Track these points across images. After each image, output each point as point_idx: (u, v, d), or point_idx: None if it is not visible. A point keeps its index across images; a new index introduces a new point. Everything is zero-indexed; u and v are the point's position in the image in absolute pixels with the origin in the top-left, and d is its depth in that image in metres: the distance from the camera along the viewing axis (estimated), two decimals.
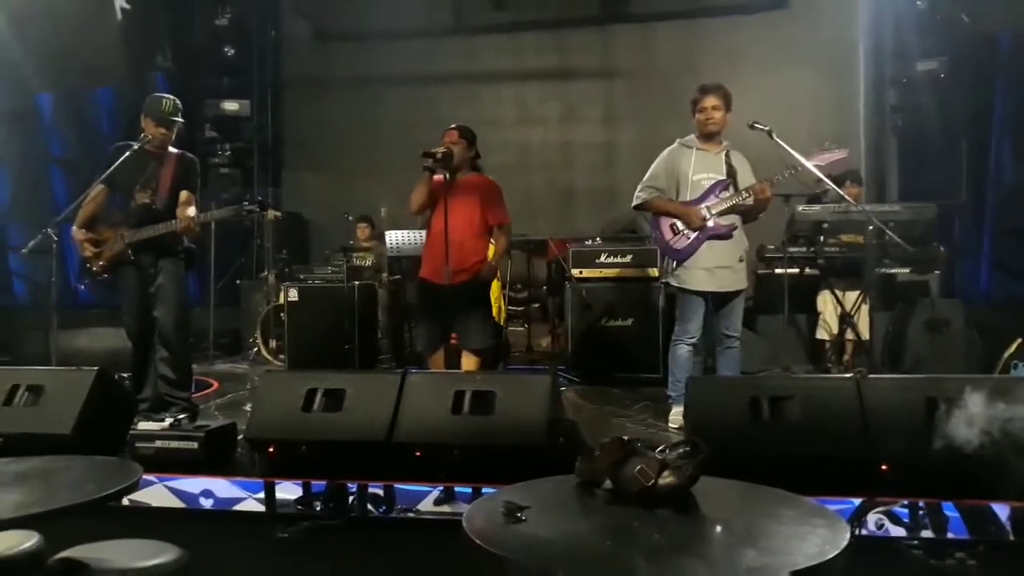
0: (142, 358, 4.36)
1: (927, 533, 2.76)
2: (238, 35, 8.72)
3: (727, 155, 4.25)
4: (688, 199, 4.21)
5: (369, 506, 3.15)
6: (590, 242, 6.15)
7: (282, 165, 9.29)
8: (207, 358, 7.03)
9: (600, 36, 8.67)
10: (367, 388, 3.40)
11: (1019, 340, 4.86)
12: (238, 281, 7.85)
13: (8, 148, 7.64)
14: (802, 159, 4.14)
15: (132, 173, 4.24)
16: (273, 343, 6.82)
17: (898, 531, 2.77)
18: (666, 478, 1.80)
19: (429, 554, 3.02)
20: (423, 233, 4.70)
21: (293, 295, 6.44)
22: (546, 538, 1.65)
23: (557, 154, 8.75)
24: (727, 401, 3.14)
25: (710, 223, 4.15)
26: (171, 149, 4.35)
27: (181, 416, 3.66)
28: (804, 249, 5.61)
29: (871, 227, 4.91)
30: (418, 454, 3.15)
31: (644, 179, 4.33)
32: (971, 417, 2.52)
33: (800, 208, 5.50)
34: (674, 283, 4.27)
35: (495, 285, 6.19)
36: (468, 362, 4.41)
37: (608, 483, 1.88)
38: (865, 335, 5.43)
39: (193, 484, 3.24)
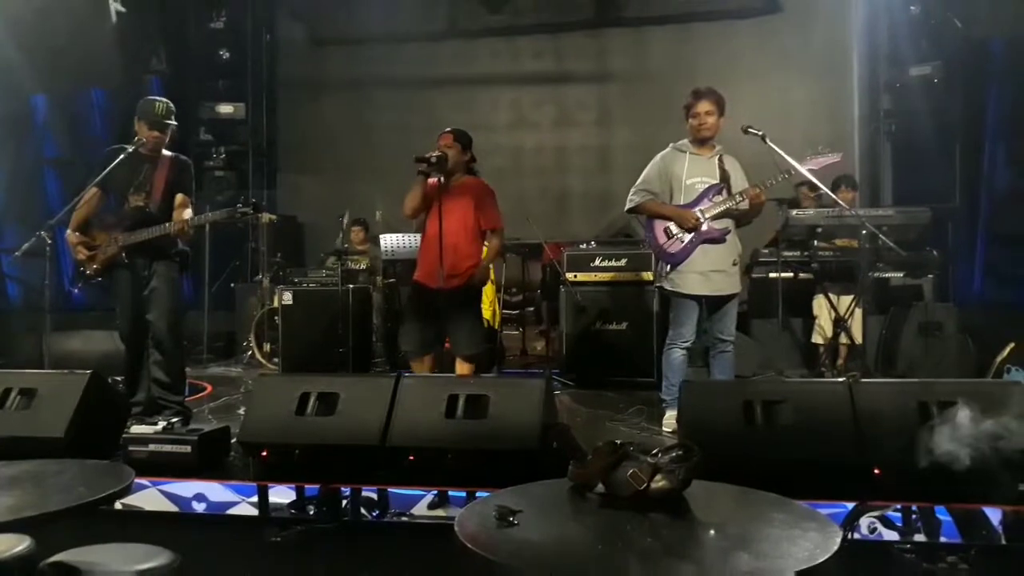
0: (135, 361, 4.35)
1: (920, 537, 2.77)
2: (233, 38, 8.72)
3: (720, 159, 4.26)
4: (682, 203, 4.21)
5: (362, 510, 3.15)
6: (584, 246, 6.15)
7: (277, 168, 9.29)
8: (201, 361, 7.02)
9: (595, 40, 8.70)
10: (361, 392, 3.39)
11: (1012, 344, 4.87)
12: (232, 284, 7.84)
13: (1, 150, 7.61)
14: (796, 163, 4.16)
15: (126, 176, 4.24)
16: (267, 346, 6.81)
17: (891, 535, 2.78)
18: (658, 482, 1.81)
19: (423, 558, 3.02)
20: (418, 236, 4.70)
21: (287, 298, 6.43)
22: (538, 542, 1.65)
23: (552, 158, 8.78)
24: (720, 405, 3.14)
25: (704, 227, 4.16)
26: (165, 152, 4.34)
27: (174, 420, 3.65)
28: (798, 253, 5.63)
29: (864, 231, 4.92)
30: (412, 458, 3.15)
31: (637, 183, 4.34)
32: (960, 434, 2.52)
33: (794, 212, 5.52)
34: (668, 287, 4.28)
35: (490, 289, 6.21)
36: (462, 368, 4.41)
37: (601, 487, 1.88)
38: (859, 339, 5.45)
39: (186, 488, 3.24)
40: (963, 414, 2.53)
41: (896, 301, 5.73)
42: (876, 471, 2.81)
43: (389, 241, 6.59)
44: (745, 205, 4.17)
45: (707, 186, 4.21)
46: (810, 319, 5.88)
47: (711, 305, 4.25)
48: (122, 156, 4.16)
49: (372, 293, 6.85)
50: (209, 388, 5.77)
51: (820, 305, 5.75)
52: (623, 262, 5.90)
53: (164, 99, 4.35)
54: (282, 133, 9.31)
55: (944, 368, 5.22)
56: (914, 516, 2.79)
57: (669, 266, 4.24)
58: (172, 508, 3.23)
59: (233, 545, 3.15)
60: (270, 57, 9.21)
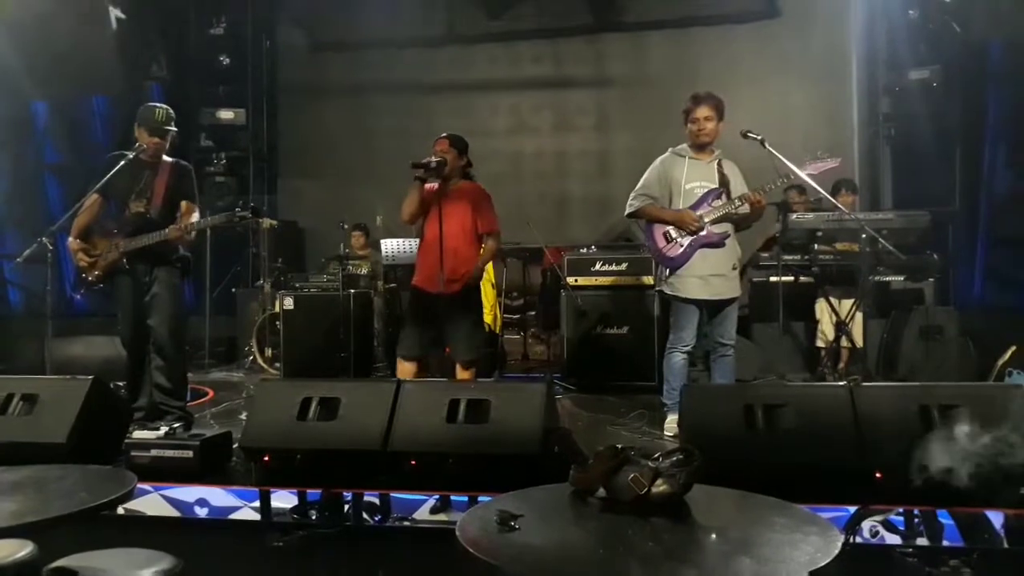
0: (137, 367, 4.35)
1: (922, 541, 2.76)
2: (233, 44, 8.73)
3: (719, 164, 4.27)
4: (681, 208, 4.22)
5: (364, 515, 3.15)
6: (585, 250, 6.16)
7: (277, 174, 9.30)
8: (202, 366, 7.03)
9: (594, 45, 8.71)
10: (362, 397, 3.40)
11: (1013, 348, 4.87)
12: (233, 289, 7.84)
13: (2, 156, 7.63)
14: (795, 168, 4.17)
15: (127, 182, 4.25)
16: (268, 351, 6.81)
17: (893, 539, 2.77)
18: (659, 486, 1.81)
19: (424, 563, 3.02)
20: (418, 241, 4.71)
21: (289, 303, 6.44)
22: (539, 546, 1.65)
23: (551, 163, 8.79)
24: (721, 409, 3.14)
25: (703, 231, 4.16)
26: (165, 158, 4.35)
27: (176, 425, 3.65)
28: (798, 257, 5.63)
29: (865, 235, 4.93)
30: (413, 463, 3.15)
31: (637, 187, 4.35)
32: (961, 448, 2.51)
33: (794, 216, 5.53)
34: (668, 291, 4.28)
35: (491, 293, 6.21)
36: (462, 374, 4.41)
37: (602, 491, 1.88)
38: (860, 343, 5.45)
39: (188, 493, 3.24)
40: (962, 429, 2.52)
41: (897, 305, 5.73)
42: (877, 475, 2.81)
43: (390, 246, 6.60)
44: (745, 209, 4.17)
45: (706, 190, 4.22)
46: (811, 323, 5.89)
47: (711, 309, 4.25)
48: (123, 163, 4.17)
49: (373, 298, 6.85)
50: (211, 393, 5.77)
51: (821, 309, 5.76)
52: (623, 266, 5.90)
53: (164, 105, 4.36)
54: (282, 138, 9.32)
55: (945, 372, 5.22)
56: (916, 520, 2.78)
57: (669, 270, 4.25)
58: (174, 513, 3.23)
59: (235, 550, 3.15)
60: (270, 63, 9.23)
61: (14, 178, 7.67)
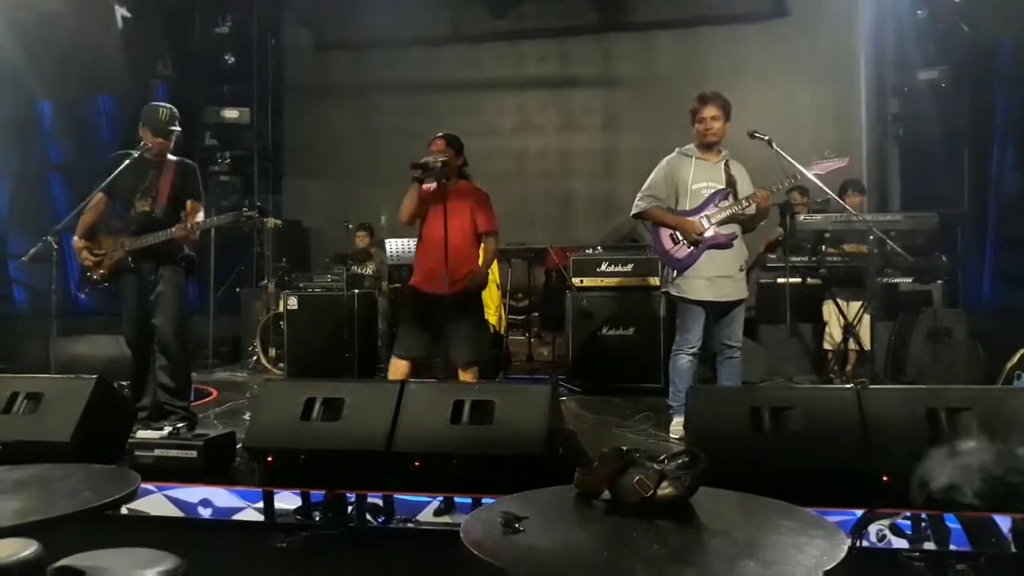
0: (141, 366, 4.35)
1: (929, 545, 2.74)
2: (239, 43, 8.75)
3: (726, 164, 4.26)
4: (688, 208, 4.20)
5: (368, 516, 3.14)
6: (590, 251, 6.14)
7: (282, 173, 9.32)
8: (206, 366, 7.03)
9: (600, 44, 8.70)
10: (366, 397, 3.39)
11: (1022, 350, 4.84)
12: (238, 289, 7.85)
13: (8, 156, 7.65)
14: (802, 168, 4.15)
15: (132, 181, 4.25)
16: (272, 351, 6.82)
17: (900, 543, 2.76)
18: (665, 489, 1.79)
19: (428, 565, 3.01)
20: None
21: (293, 303, 6.44)
22: (544, 548, 1.64)
23: (557, 162, 8.78)
24: (728, 411, 3.13)
25: (710, 232, 4.15)
26: (170, 157, 4.35)
27: (180, 425, 3.65)
28: (806, 259, 5.61)
29: (873, 237, 4.90)
30: (417, 464, 3.15)
31: (643, 188, 4.33)
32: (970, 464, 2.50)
33: (802, 218, 5.50)
34: (674, 292, 4.26)
35: (495, 294, 6.20)
36: (465, 376, 4.40)
37: (607, 494, 1.87)
38: (867, 345, 5.42)
39: (192, 493, 3.23)
40: (970, 445, 2.50)
41: (905, 307, 5.70)
42: (885, 478, 2.79)
43: (394, 246, 6.60)
44: (752, 210, 4.16)
45: (713, 191, 4.20)
46: (818, 325, 5.86)
47: (718, 311, 4.23)
48: (127, 162, 4.17)
49: (377, 298, 6.85)
50: (215, 393, 5.77)
51: (829, 311, 5.73)
52: (629, 267, 5.88)
53: (168, 105, 4.36)
54: (287, 138, 9.34)
55: (954, 374, 5.19)
56: (923, 524, 2.76)
57: (675, 271, 4.23)
58: (178, 513, 3.22)
59: (239, 550, 3.15)
60: (275, 62, 9.25)
61: (20, 177, 7.70)
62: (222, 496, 3.22)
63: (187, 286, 4.47)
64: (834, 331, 5.70)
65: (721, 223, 4.16)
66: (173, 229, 4.16)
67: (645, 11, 8.53)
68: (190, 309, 4.76)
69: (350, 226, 7.50)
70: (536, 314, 7.40)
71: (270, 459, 3.31)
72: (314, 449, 3.26)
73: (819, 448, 2.93)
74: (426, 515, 3.10)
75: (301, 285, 6.73)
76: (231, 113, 8.61)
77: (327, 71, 9.12)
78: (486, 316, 6.03)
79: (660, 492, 1.79)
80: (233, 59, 8.69)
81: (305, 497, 3.19)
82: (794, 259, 5.53)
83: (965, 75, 6.91)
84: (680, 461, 1.85)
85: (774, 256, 5.90)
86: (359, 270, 7.00)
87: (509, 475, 2.84)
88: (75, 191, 7.12)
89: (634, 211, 4.36)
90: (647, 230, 4.86)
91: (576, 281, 5.91)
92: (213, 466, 3.40)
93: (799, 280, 5.69)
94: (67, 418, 3.39)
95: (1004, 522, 2.72)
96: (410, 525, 3.09)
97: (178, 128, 4.33)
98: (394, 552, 3.12)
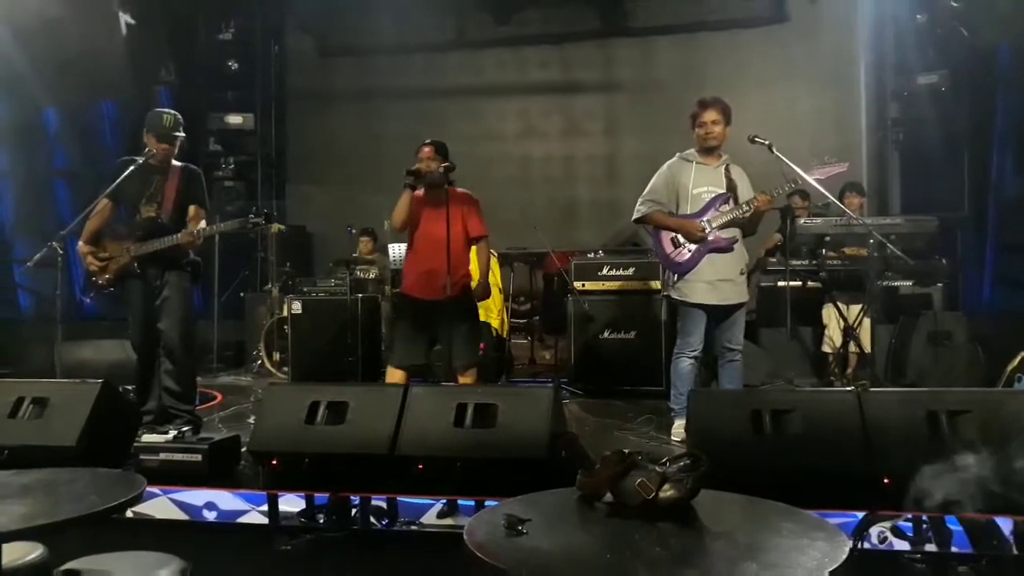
0: (147, 370, 4.37)
1: (930, 547, 2.75)
2: (242, 49, 8.78)
3: (727, 169, 4.27)
4: (688, 213, 4.22)
5: (372, 519, 3.16)
6: (592, 255, 6.17)
7: (285, 178, 9.34)
8: (211, 370, 7.05)
9: (602, 50, 8.72)
10: (370, 401, 3.41)
11: (1022, 353, 4.85)
12: (242, 294, 7.87)
13: (13, 162, 7.68)
14: (802, 172, 4.16)
15: (137, 187, 4.27)
16: (277, 355, 6.83)
17: (902, 545, 2.77)
18: (667, 491, 1.81)
19: (432, 567, 3.03)
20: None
21: (297, 308, 6.46)
22: (547, 551, 1.65)
23: (560, 167, 8.80)
24: (729, 414, 3.14)
25: (710, 236, 4.16)
26: (175, 162, 4.37)
27: (185, 428, 3.67)
28: (806, 262, 5.62)
29: (873, 240, 4.92)
30: (420, 467, 3.16)
31: (644, 193, 4.35)
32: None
33: (802, 221, 5.52)
34: (675, 296, 4.28)
35: (498, 298, 6.22)
36: (464, 379, 4.42)
37: (609, 496, 1.88)
38: (868, 348, 5.43)
39: (197, 496, 3.25)
40: (972, 457, 2.52)
41: (905, 310, 5.71)
42: (885, 480, 2.81)
43: (397, 251, 6.61)
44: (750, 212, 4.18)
45: (714, 195, 4.22)
46: (819, 328, 5.87)
47: (719, 314, 4.24)
48: (132, 168, 4.19)
49: (381, 302, 6.87)
50: (219, 397, 5.79)
51: (829, 314, 5.74)
52: (631, 271, 5.90)
53: (172, 111, 4.39)
54: (291, 143, 9.36)
55: (954, 377, 5.19)
56: (925, 526, 2.77)
57: (676, 275, 4.25)
58: (183, 516, 3.24)
59: (243, 553, 3.17)
60: (279, 68, 9.27)
61: (25, 183, 7.73)
62: (227, 499, 3.24)
63: (192, 291, 4.50)
64: (834, 334, 5.71)
65: (722, 227, 4.18)
66: (178, 235, 4.18)
67: (645, 17, 8.55)
68: (195, 314, 4.78)
69: (353, 231, 7.52)
70: (538, 317, 7.41)
71: (274, 462, 3.32)
72: (318, 452, 3.27)
73: (820, 450, 2.94)
74: (429, 518, 3.11)
75: (305, 290, 6.75)
76: (235, 119, 8.63)
77: (330, 77, 9.14)
78: (489, 319, 6.08)
79: (662, 494, 1.80)
80: (237, 65, 8.71)
81: (309, 500, 3.21)
82: (794, 262, 5.53)
83: (965, 79, 6.92)
84: (682, 464, 1.86)
85: (774, 260, 5.91)
86: (362, 275, 7.01)
87: (512, 478, 2.85)
88: (80, 197, 7.13)
89: (636, 215, 4.38)
90: (648, 234, 4.88)
91: (578, 285, 5.93)
92: (218, 469, 3.42)
93: (799, 283, 5.70)
94: (73, 422, 3.40)
95: (1006, 524, 2.73)
96: (413, 528, 3.11)
97: (182, 134, 4.35)
98: (397, 554, 3.13)
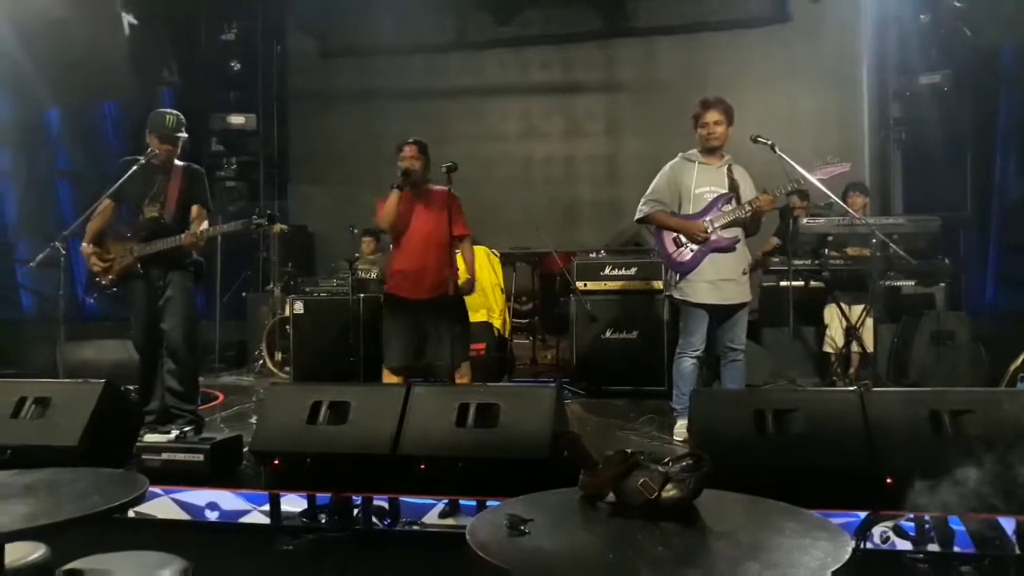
0: (149, 370, 4.37)
1: (933, 547, 2.75)
2: (244, 50, 8.78)
3: (729, 169, 4.27)
4: (691, 213, 4.22)
5: (374, 519, 3.15)
6: (594, 255, 6.16)
7: (288, 178, 9.34)
8: (213, 370, 7.06)
9: (603, 50, 8.71)
10: (372, 401, 3.41)
11: None
12: (244, 294, 7.87)
13: (16, 162, 7.69)
14: (805, 172, 4.16)
15: (140, 187, 4.28)
16: (279, 355, 6.83)
17: (904, 545, 2.76)
18: (669, 491, 1.80)
19: (434, 567, 3.03)
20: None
21: (299, 308, 6.46)
22: (549, 551, 1.65)
23: (561, 168, 8.79)
24: (731, 414, 3.14)
25: (712, 236, 4.16)
26: (177, 162, 4.38)
27: (187, 428, 3.67)
28: (809, 262, 5.62)
29: (875, 240, 4.91)
30: (422, 467, 3.16)
31: (647, 193, 4.35)
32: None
33: (805, 221, 5.51)
34: (677, 296, 4.28)
35: (500, 297, 6.23)
36: (460, 376, 4.43)
37: (612, 496, 1.88)
38: (870, 348, 5.42)
39: (199, 496, 3.26)
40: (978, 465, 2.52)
41: (908, 310, 5.71)
42: (888, 480, 2.80)
43: None
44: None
45: (716, 195, 4.22)
46: (821, 328, 5.87)
47: (721, 314, 4.24)
48: (135, 168, 4.20)
49: (383, 303, 6.85)
50: (221, 397, 5.79)
51: (832, 314, 5.74)
52: (633, 271, 5.90)
53: (174, 112, 4.39)
54: (293, 144, 9.36)
55: (957, 377, 5.19)
56: (927, 526, 2.77)
57: (678, 275, 4.25)
58: (185, 516, 3.24)
59: (245, 553, 3.17)
60: (280, 68, 9.27)
61: (27, 184, 7.74)
62: (229, 499, 3.24)
63: (195, 291, 4.50)
64: (836, 334, 5.71)
65: (724, 227, 4.17)
66: (182, 236, 4.19)
67: (647, 17, 8.54)
68: (198, 314, 4.78)
69: (356, 231, 7.52)
70: (540, 317, 7.41)
71: (276, 462, 3.32)
72: (320, 452, 3.27)
73: (822, 450, 2.94)
74: (431, 518, 3.11)
75: (307, 290, 6.75)
76: (237, 119, 8.64)
77: (332, 77, 9.14)
78: (491, 319, 6.09)
79: (664, 494, 1.80)
80: (239, 66, 8.72)
81: (311, 500, 3.20)
82: (797, 262, 5.54)
83: (968, 79, 6.91)
84: (684, 463, 1.86)
85: (777, 260, 5.91)
86: (364, 274, 7.01)
87: (514, 478, 2.85)
88: (82, 197, 7.15)
89: (638, 216, 4.38)
90: (650, 234, 4.88)
91: (580, 285, 5.93)
92: (220, 469, 3.42)
93: (802, 283, 5.70)
94: (75, 422, 3.41)
95: (1008, 524, 2.72)
96: (415, 528, 3.11)
97: (185, 134, 4.36)
98: (399, 554, 3.13)
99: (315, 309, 6.47)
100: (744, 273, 4.25)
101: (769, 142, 4.18)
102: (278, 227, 6.92)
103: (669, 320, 5.57)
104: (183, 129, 4.34)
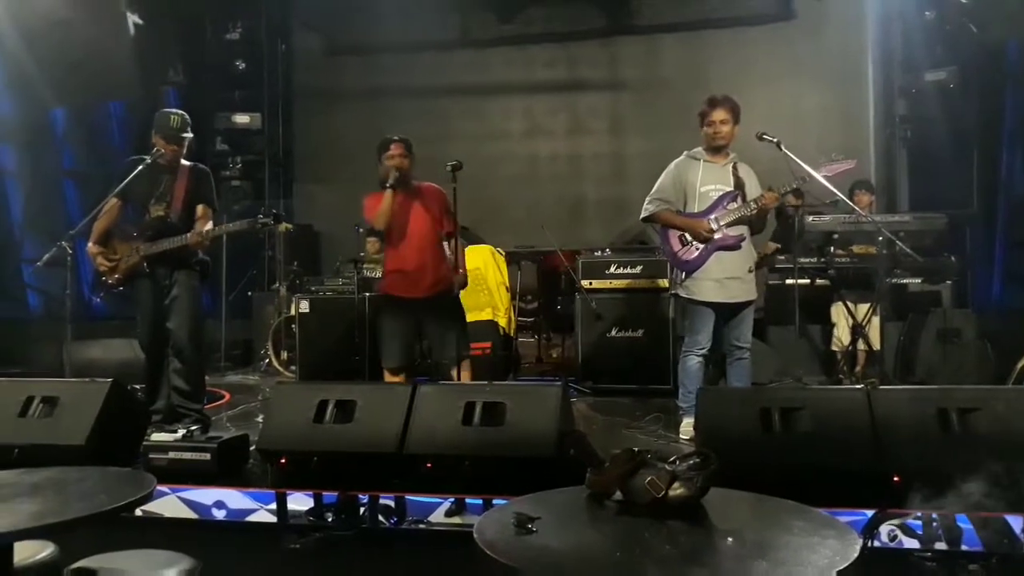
0: (155, 370, 4.38)
1: (940, 545, 2.74)
2: (249, 49, 8.78)
3: (734, 167, 4.26)
4: (696, 211, 4.21)
5: (380, 517, 3.16)
6: (600, 253, 6.15)
7: (293, 178, 9.35)
8: (218, 369, 7.06)
9: (607, 48, 8.71)
10: (378, 399, 3.41)
11: None
12: (249, 293, 7.88)
13: (22, 162, 7.71)
14: (811, 170, 4.15)
15: (146, 187, 4.28)
16: (284, 354, 6.84)
17: (911, 543, 2.76)
18: (676, 489, 1.80)
19: (440, 565, 3.03)
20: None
21: (304, 307, 6.46)
22: (557, 549, 1.65)
23: (566, 166, 8.78)
24: (738, 412, 3.14)
25: (718, 235, 4.15)
26: (184, 162, 4.38)
27: (193, 427, 3.68)
28: (815, 260, 5.61)
29: (881, 238, 4.90)
30: (429, 465, 3.16)
31: (652, 192, 4.34)
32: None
33: (810, 219, 5.50)
34: (683, 294, 4.27)
35: (505, 296, 6.23)
36: (464, 374, 4.43)
37: (619, 494, 1.88)
38: (877, 346, 5.41)
39: (205, 495, 3.26)
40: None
41: (914, 307, 5.69)
42: (895, 478, 2.80)
43: None
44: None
45: (721, 193, 4.21)
46: (827, 325, 5.85)
47: (727, 312, 4.23)
48: (141, 167, 4.20)
49: (378, 303, 6.86)
50: (227, 396, 5.80)
51: (838, 312, 5.72)
52: (638, 269, 5.89)
53: (180, 112, 4.39)
54: (298, 143, 9.37)
55: (963, 375, 5.18)
56: (935, 524, 2.76)
57: (684, 273, 4.24)
58: (191, 515, 3.25)
59: (252, 552, 3.17)
60: (285, 67, 9.28)
61: (33, 183, 7.75)
62: (235, 498, 3.25)
63: (201, 290, 4.51)
64: (842, 332, 5.69)
65: (729, 225, 4.17)
66: (188, 236, 4.19)
67: (651, 15, 8.53)
68: (204, 313, 4.79)
69: (361, 230, 7.52)
70: (544, 316, 7.41)
71: (283, 461, 3.33)
72: (327, 451, 3.28)
73: (829, 449, 2.94)
74: (437, 516, 3.11)
75: (312, 289, 6.75)
76: (242, 118, 8.64)
77: (337, 76, 9.15)
78: (496, 318, 6.08)
79: (672, 493, 1.80)
80: (244, 65, 8.72)
81: (318, 499, 3.21)
82: (803, 260, 5.53)
83: (973, 76, 6.88)
84: (692, 462, 1.86)
85: (783, 258, 5.89)
86: (370, 273, 7.02)
87: (520, 476, 2.85)
88: (88, 197, 7.16)
89: (643, 215, 4.37)
90: (656, 232, 4.87)
91: (585, 283, 5.92)
92: (226, 468, 3.43)
93: (808, 281, 5.69)
94: (82, 421, 3.42)
95: (1016, 522, 2.72)
96: (422, 526, 3.11)
97: (190, 135, 4.36)
98: (406, 553, 3.13)
99: (321, 308, 6.47)
100: (750, 271, 4.24)
101: (775, 139, 4.16)
102: (284, 226, 6.93)
103: (675, 318, 5.56)
104: (189, 129, 4.34)
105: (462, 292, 4.59)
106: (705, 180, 4.22)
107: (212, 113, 8.58)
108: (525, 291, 7.22)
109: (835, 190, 4.35)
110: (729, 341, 4.28)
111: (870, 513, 2.77)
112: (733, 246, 4.17)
